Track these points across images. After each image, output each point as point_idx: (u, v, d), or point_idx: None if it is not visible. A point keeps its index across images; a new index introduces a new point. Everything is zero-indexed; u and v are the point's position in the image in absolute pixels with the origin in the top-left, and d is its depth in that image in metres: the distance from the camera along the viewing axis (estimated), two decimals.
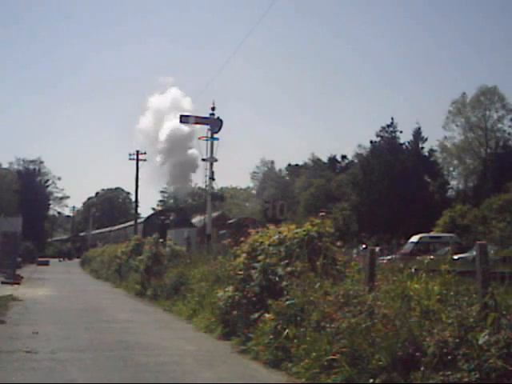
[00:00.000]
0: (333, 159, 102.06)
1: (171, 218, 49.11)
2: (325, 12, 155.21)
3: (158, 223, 47.08)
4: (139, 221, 59.33)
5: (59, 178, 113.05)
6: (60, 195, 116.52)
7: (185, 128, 51.74)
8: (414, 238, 46.86)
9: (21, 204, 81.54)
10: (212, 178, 39.24)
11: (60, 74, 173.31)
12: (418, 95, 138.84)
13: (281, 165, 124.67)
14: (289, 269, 12.27)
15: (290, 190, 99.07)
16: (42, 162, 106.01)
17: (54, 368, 10.16)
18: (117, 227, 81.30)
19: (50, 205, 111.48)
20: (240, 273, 13.76)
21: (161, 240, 27.90)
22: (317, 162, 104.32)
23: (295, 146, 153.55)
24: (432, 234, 52.97)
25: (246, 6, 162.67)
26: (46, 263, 62.25)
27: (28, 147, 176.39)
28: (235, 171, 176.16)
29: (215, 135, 39.65)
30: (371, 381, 8.10)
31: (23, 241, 61.38)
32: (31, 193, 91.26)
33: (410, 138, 78.17)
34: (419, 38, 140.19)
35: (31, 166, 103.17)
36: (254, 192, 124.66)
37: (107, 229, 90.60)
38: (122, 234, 65.81)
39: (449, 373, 7.20)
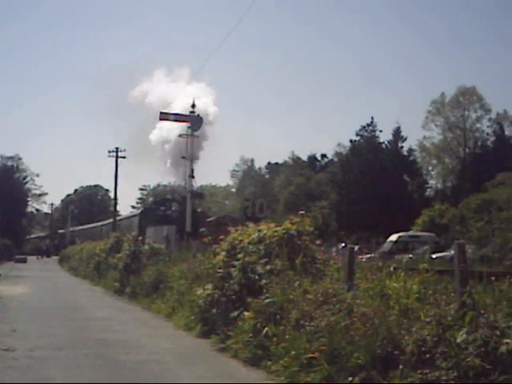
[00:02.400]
0: (312, 158, 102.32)
1: (173, 208, 45.16)
2: (308, 10, 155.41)
3: (157, 215, 43.62)
4: (136, 213, 54.88)
5: (37, 175, 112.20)
6: (38, 192, 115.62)
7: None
8: (393, 237, 47.07)
9: None
10: (192, 176, 39.16)
11: (38, 68, 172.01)
12: (397, 95, 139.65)
13: (260, 163, 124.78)
14: (268, 267, 12.29)
15: (269, 189, 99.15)
16: (20, 159, 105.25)
17: (31, 366, 10.10)
18: (96, 224, 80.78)
19: (28, 202, 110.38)
20: (219, 271, 13.76)
21: (140, 238, 27.83)
22: (296, 160, 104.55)
23: (275, 144, 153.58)
24: (411, 232, 53.20)
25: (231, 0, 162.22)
26: (24, 260, 61.79)
27: (6, 143, 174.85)
28: (215, 169, 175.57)
29: (195, 133, 39.60)
30: (350, 379, 8.12)
31: (0, 238, 60.94)
32: (9, 189, 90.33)
33: (390, 137, 78.63)
34: (400, 38, 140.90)
35: (9, 163, 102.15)
36: (233, 190, 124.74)
37: (86, 226, 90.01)
38: (103, 231, 64.33)
39: (427, 371, 7.23)
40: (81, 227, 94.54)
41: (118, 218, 70.24)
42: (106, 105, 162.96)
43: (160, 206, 46.41)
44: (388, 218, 64.78)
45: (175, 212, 43.04)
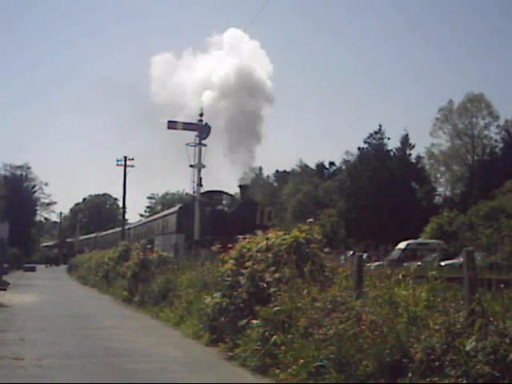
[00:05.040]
0: (321, 166, 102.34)
1: (224, 202, 38.93)
2: (319, 18, 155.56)
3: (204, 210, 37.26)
4: (173, 210, 47.00)
5: (46, 184, 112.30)
6: (47, 201, 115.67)
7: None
8: (402, 245, 47.01)
9: (7, 210, 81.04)
10: (200, 184, 39.14)
11: (48, 80, 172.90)
12: (405, 102, 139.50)
13: (268, 171, 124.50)
14: (276, 275, 12.26)
15: (277, 197, 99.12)
16: (29, 168, 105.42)
17: (40, 375, 10.09)
18: (106, 232, 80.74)
19: (36, 210, 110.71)
20: (228, 279, 13.74)
21: (149, 246, 27.84)
22: (305, 168, 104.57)
23: (283, 152, 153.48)
24: (419, 240, 53.15)
25: (238, 6, 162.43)
26: (33, 269, 61.93)
27: (15, 152, 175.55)
28: (222, 177, 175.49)
29: (203, 141, 39.73)
30: None
31: (10, 247, 61.06)
32: (18, 198, 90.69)
33: (398, 144, 78.53)
34: (408, 45, 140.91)
35: (18, 172, 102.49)
36: None
37: (95, 234, 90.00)
38: (113, 240, 63.58)
39: (436, 379, 7.20)
40: (89, 236, 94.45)
41: (148, 218, 67.77)
42: (119, 111, 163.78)
43: (207, 200, 38.36)
44: (396, 226, 64.63)
45: (230, 207, 36.85)
